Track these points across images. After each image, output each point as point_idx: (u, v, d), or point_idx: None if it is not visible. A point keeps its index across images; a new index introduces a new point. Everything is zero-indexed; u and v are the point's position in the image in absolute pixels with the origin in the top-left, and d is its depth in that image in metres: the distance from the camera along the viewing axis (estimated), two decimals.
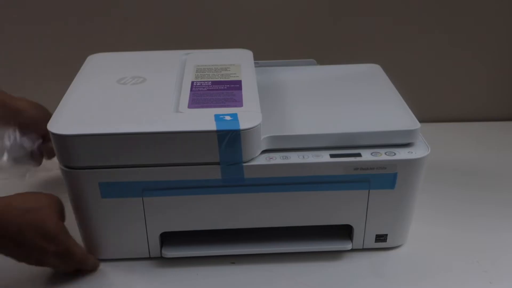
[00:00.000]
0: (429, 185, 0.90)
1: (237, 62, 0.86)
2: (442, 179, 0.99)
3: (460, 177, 1.00)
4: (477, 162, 1.06)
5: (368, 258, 0.81)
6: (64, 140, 0.67)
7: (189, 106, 0.73)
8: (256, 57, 0.89)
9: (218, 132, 0.67)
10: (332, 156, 0.72)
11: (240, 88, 0.77)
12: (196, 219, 0.76)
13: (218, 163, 0.70)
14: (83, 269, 0.77)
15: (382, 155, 0.72)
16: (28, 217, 0.67)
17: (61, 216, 0.73)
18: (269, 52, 1.09)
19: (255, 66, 0.86)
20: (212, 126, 0.67)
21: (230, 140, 0.67)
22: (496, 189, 0.96)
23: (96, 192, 0.72)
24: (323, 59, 0.97)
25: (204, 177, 0.71)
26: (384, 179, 0.73)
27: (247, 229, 0.78)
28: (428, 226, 0.86)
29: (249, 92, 0.76)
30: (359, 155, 0.72)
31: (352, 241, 0.80)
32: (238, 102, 0.73)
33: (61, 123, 0.69)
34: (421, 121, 0.74)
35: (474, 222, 0.88)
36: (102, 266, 0.79)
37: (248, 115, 0.70)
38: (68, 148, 0.68)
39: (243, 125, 0.67)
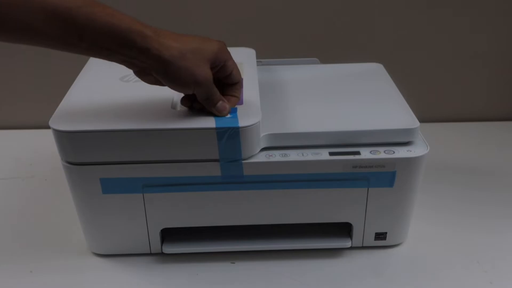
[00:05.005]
0: (429, 185, 0.91)
1: (240, 60, 0.85)
2: (442, 179, 0.99)
3: (460, 177, 1.00)
4: (477, 162, 1.05)
5: (368, 256, 0.81)
6: (66, 136, 0.68)
7: None
8: (259, 56, 0.90)
9: (217, 129, 0.67)
10: (331, 154, 0.72)
11: (241, 86, 0.77)
12: (196, 215, 0.77)
13: (217, 160, 0.70)
14: None
15: (381, 154, 0.72)
16: None
17: None
18: (272, 51, 1.09)
19: (258, 65, 0.87)
20: (211, 123, 0.68)
21: (229, 137, 0.68)
22: (496, 189, 0.96)
23: (97, 188, 0.72)
24: (326, 58, 0.97)
25: (204, 174, 0.72)
26: (383, 177, 0.73)
27: (246, 226, 0.79)
28: (428, 226, 0.86)
29: (250, 90, 0.76)
30: (358, 153, 0.72)
31: (351, 239, 0.80)
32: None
33: (63, 119, 0.69)
34: (421, 121, 0.74)
35: (474, 222, 0.88)
36: (104, 261, 0.80)
37: (247, 113, 0.70)
38: (70, 144, 0.68)
39: (242, 122, 0.68)
